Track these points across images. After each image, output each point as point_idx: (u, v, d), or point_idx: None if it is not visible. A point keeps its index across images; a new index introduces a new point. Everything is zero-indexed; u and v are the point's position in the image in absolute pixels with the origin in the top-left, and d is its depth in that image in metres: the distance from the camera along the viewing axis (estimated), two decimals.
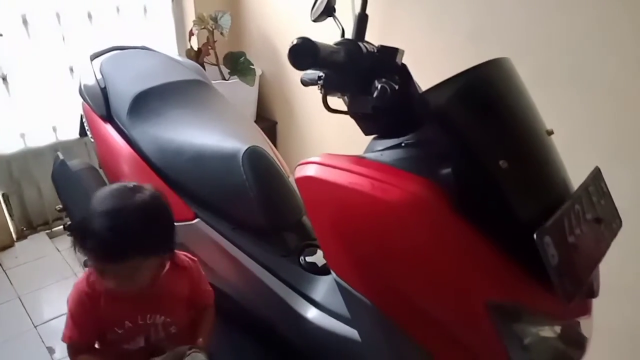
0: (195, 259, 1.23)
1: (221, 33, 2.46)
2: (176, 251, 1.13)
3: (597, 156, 1.40)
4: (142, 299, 1.06)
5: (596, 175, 0.91)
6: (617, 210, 0.94)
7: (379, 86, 0.73)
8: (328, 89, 0.89)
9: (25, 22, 2.18)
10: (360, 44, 0.80)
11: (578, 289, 0.78)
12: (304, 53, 0.70)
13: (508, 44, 1.56)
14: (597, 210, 0.87)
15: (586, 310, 0.89)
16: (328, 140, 2.43)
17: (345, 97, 0.87)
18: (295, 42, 0.69)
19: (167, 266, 1.08)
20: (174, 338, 1.12)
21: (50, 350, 1.83)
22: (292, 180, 1.47)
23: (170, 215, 1.04)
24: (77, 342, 1.07)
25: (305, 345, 1.23)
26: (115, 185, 1.03)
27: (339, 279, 0.91)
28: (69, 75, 2.38)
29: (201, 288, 1.20)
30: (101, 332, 1.08)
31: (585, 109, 1.43)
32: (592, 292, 0.88)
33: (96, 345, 1.13)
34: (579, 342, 0.91)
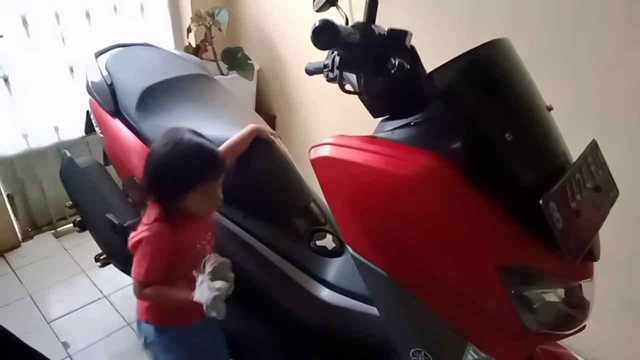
0: None
1: (219, 29, 2.49)
2: None
3: (592, 129, 1.47)
4: (201, 223, 1.24)
5: (594, 147, 0.96)
6: (613, 179, 1.00)
7: (397, 62, 0.78)
8: (343, 69, 0.93)
9: (25, 23, 2.21)
10: (372, 26, 0.85)
11: (582, 249, 0.83)
12: (325, 33, 0.75)
13: (501, 24, 1.61)
14: (596, 179, 0.93)
15: (589, 274, 0.94)
16: (327, 133, 2.48)
17: (357, 78, 0.92)
18: (317, 23, 0.74)
19: None
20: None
21: (65, 345, 1.87)
22: (297, 169, 1.52)
23: None
24: (149, 280, 1.16)
25: (322, 327, 1.27)
26: (175, 136, 1.17)
27: (356, 255, 0.95)
28: (69, 75, 2.40)
29: None
30: (176, 263, 1.19)
31: (578, 84, 1.49)
32: (594, 256, 0.93)
33: None
34: (582, 306, 0.97)
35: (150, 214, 1.19)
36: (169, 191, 1.15)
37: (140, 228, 1.18)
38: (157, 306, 1.24)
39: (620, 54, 1.38)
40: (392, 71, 0.79)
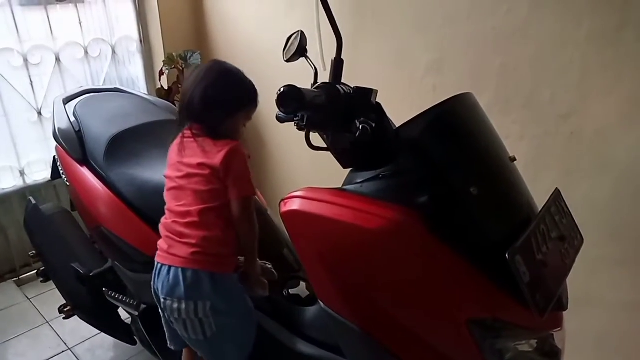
0: None
1: None
2: None
3: (555, 176, 1.50)
4: None
5: (557, 196, 0.99)
6: (577, 227, 1.02)
7: (361, 126, 0.79)
8: (311, 128, 0.94)
9: None
10: (338, 86, 0.87)
11: (549, 303, 0.84)
12: (291, 98, 0.76)
13: (465, 74, 1.66)
14: (560, 228, 0.95)
15: (558, 323, 0.95)
16: (301, 174, 2.48)
17: (325, 135, 0.92)
18: (282, 89, 0.75)
19: None
20: None
21: None
22: (270, 214, 1.50)
23: None
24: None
25: None
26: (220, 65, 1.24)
27: (327, 309, 0.94)
28: (37, 119, 2.36)
29: None
30: None
31: (539, 133, 1.54)
32: (563, 306, 0.94)
33: None
34: (554, 354, 0.97)
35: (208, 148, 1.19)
36: (225, 110, 1.20)
37: (223, 143, 1.18)
38: (220, 250, 1.18)
39: (578, 103, 1.44)
40: (357, 134, 0.80)
